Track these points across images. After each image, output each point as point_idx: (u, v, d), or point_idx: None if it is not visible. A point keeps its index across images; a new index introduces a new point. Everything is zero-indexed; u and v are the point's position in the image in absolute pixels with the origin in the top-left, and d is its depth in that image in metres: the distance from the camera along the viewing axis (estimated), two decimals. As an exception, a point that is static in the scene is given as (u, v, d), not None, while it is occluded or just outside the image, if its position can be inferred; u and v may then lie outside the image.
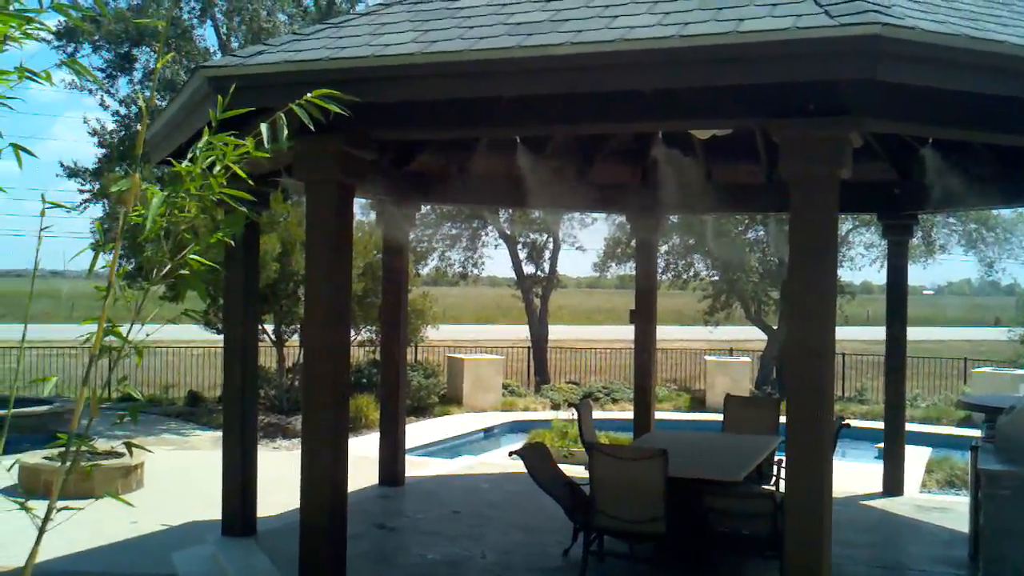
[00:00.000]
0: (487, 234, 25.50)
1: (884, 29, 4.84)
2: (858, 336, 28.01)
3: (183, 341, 20.43)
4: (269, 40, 7.60)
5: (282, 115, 2.42)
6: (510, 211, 23.23)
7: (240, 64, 6.41)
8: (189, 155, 2.31)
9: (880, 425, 12.29)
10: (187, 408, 18.77)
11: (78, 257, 2.43)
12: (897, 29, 4.89)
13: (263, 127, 2.38)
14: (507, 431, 18.16)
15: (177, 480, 12.12)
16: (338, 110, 2.55)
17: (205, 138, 2.30)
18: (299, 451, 7.27)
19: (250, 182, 2.70)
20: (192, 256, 2.36)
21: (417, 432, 16.10)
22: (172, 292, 13.80)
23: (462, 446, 16.61)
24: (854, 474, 12.31)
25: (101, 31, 18.64)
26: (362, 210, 19.92)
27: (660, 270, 22.17)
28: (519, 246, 25.21)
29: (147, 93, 17.49)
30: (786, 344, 9.58)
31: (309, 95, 2.48)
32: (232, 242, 2.47)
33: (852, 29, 4.92)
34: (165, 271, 2.38)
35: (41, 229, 2.51)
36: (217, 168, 2.29)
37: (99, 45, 19.38)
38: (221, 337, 10.11)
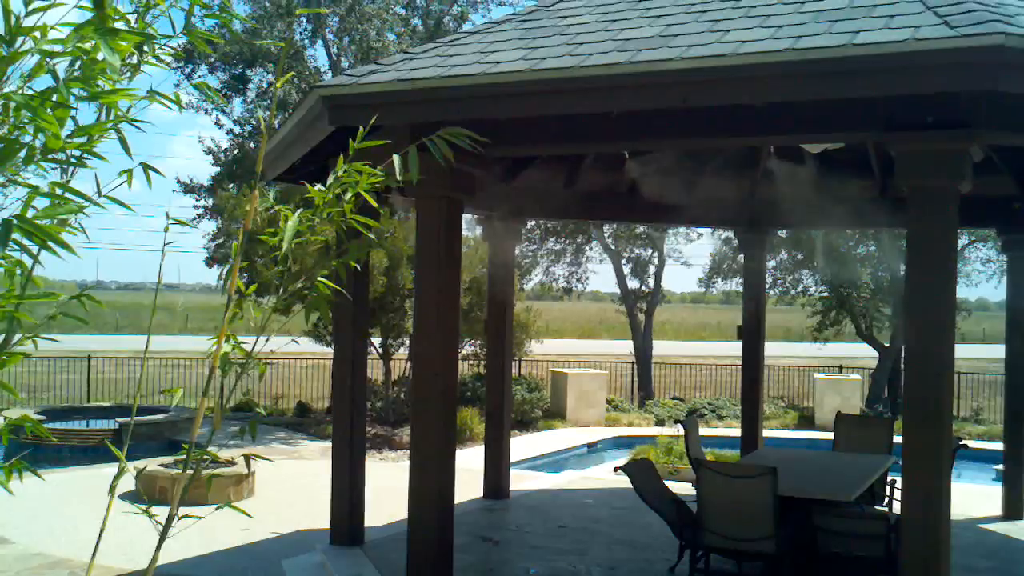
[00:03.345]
0: (591, 249, 25.49)
1: (1008, 39, 4.69)
2: (974, 354, 27.19)
3: (291, 353, 20.75)
4: (380, 59, 7.73)
5: (414, 147, 2.47)
6: (615, 226, 23.17)
7: (354, 83, 6.53)
8: (329, 181, 2.36)
9: (998, 446, 11.90)
10: (296, 418, 19.16)
11: (208, 272, 2.51)
12: (1022, 39, 4.74)
13: (395, 159, 2.43)
14: (611, 446, 18.09)
15: (286, 489, 12.37)
16: (467, 147, 2.59)
17: (342, 167, 2.35)
18: (405, 462, 7.38)
19: (376, 207, 2.76)
20: (320, 279, 2.42)
21: (521, 446, 16.14)
22: (284, 306, 14.16)
23: (566, 460, 16.60)
24: (972, 496, 11.93)
25: (217, 53, 19.23)
26: (467, 224, 20.13)
27: (768, 286, 21.84)
28: (623, 261, 25.13)
29: (264, 113, 17.96)
30: (901, 361, 9.30)
31: (441, 132, 2.53)
32: (358, 266, 2.53)
33: (973, 40, 4.78)
34: (294, 291, 2.44)
35: (165, 244, 2.58)
36: (348, 195, 2.36)
37: (215, 66, 20.00)
38: (329, 350, 10.28)
